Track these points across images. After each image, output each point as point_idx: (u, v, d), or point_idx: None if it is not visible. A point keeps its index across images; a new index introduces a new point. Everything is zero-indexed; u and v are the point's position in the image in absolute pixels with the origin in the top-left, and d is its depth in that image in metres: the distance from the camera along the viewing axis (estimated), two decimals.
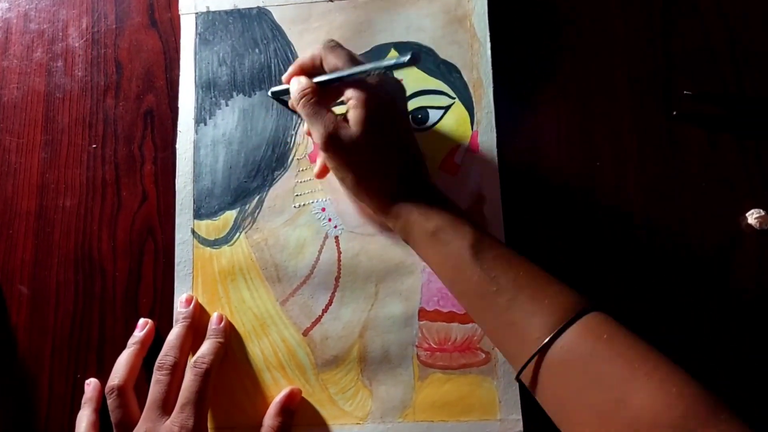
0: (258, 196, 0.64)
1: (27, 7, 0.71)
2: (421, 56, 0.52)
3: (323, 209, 0.63)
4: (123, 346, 0.60)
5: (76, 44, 0.69)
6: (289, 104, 0.65)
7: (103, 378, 0.59)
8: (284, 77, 0.60)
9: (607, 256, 0.60)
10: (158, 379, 0.57)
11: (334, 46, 0.57)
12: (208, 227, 0.64)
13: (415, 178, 0.56)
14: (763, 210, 0.59)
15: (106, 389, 0.57)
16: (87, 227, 0.65)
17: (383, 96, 0.55)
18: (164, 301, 0.62)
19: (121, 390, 0.57)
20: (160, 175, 0.65)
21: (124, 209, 0.65)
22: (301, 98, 0.56)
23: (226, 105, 0.66)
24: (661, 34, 0.64)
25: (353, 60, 0.55)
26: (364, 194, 0.57)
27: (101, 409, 0.59)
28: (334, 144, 0.54)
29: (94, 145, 0.66)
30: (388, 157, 0.55)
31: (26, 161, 0.67)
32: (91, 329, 0.62)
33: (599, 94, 0.63)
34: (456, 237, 0.52)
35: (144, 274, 0.63)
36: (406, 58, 0.49)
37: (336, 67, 0.56)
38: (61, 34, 0.70)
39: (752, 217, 0.59)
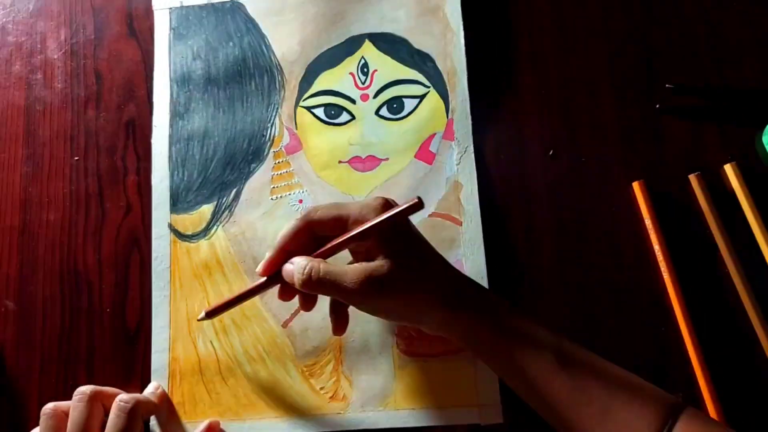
0: (235, 189, 0.64)
1: (4, 20, 0.71)
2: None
3: (300, 201, 0.63)
4: (112, 359, 0.60)
5: (55, 56, 0.70)
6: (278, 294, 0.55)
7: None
8: (263, 267, 0.52)
9: (592, 246, 0.60)
10: None
11: (314, 208, 0.51)
12: (184, 221, 0.64)
13: (463, 280, 0.51)
14: None
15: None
16: (72, 240, 0.64)
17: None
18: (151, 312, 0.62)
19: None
20: (144, 186, 0.65)
21: (108, 221, 0.65)
22: (308, 277, 0.49)
23: (201, 99, 0.67)
24: (641, 26, 0.64)
25: (342, 207, 0.51)
26: (417, 318, 0.51)
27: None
28: (374, 290, 0.48)
29: (77, 158, 0.66)
30: (433, 268, 0.50)
31: (8, 176, 0.67)
32: (79, 342, 0.62)
33: (581, 88, 0.63)
34: (535, 344, 0.48)
35: (131, 285, 0.63)
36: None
37: (330, 226, 0.51)
38: (39, 46, 0.70)
39: None
